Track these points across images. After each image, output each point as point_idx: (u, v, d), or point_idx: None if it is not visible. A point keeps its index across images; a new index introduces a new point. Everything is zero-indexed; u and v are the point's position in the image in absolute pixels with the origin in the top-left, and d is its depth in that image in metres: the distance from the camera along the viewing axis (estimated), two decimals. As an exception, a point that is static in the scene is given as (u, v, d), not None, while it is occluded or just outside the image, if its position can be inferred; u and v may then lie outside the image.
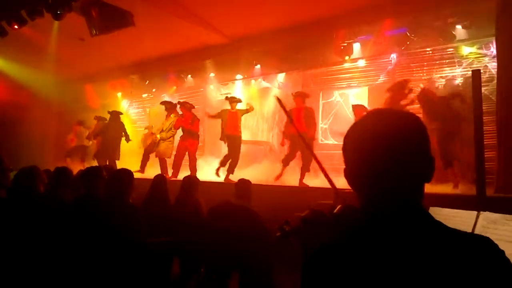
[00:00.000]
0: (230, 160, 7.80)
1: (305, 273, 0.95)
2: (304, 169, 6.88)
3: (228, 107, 8.25)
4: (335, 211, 1.40)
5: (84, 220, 2.93)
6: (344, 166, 0.98)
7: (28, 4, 7.37)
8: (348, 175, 0.97)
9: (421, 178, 0.94)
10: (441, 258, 0.84)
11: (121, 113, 10.16)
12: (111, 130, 9.57)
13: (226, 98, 8.56)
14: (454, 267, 0.83)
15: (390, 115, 0.96)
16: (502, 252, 0.87)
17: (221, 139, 8.42)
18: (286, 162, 7.29)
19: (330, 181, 1.82)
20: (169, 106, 9.11)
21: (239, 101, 8.38)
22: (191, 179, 4.56)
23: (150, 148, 9.04)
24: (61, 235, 2.90)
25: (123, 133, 9.63)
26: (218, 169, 7.89)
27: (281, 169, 7.28)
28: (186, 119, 8.57)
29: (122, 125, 9.77)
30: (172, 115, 8.98)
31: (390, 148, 0.90)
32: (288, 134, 7.34)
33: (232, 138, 7.99)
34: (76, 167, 8.09)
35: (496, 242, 0.91)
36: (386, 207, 0.91)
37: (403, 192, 0.91)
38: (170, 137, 8.93)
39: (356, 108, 7.19)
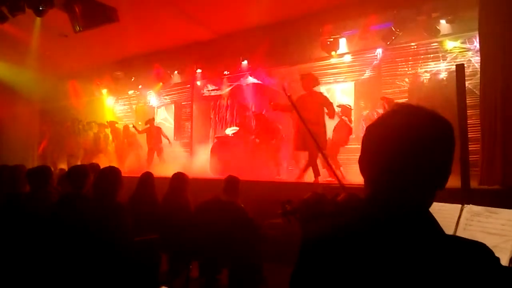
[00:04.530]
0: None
1: (301, 259, 0.96)
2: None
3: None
4: (338, 198, 1.40)
5: (69, 219, 2.90)
6: (360, 154, 0.96)
7: (9, 0, 7.20)
8: (363, 163, 0.95)
9: (434, 184, 0.91)
10: (434, 263, 0.83)
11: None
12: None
13: None
14: (446, 273, 0.82)
15: (421, 115, 0.92)
16: (497, 259, 0.86)
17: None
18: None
19: (337, 176, 1.88)
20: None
21: None
22: (180, 176, 4.52)
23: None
24: (46, 234, 2.86)
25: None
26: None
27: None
28: None
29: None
30: None
31: (411, 148, 0.88)
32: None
33: None
34: None
35: (479, 234, 0.93)
36: (392, 205, 0.90)
37: (412, 194, 0.89)
38: None
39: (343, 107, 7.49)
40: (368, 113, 8.05)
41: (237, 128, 9.42)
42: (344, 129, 7.48)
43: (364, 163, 0.95)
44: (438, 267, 0.83)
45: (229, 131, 9.75)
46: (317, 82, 6.76)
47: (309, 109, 6.21)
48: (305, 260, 0.96)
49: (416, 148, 0.88)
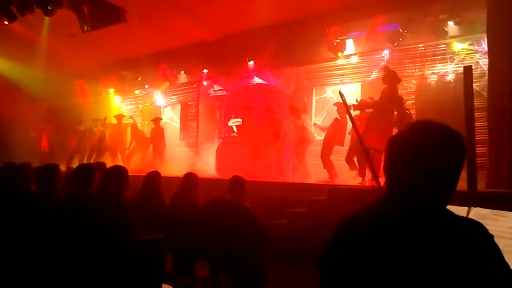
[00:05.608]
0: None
1: (330, 244, 1.17)
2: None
3: None
4: None
5: (76, 218, 2.91)
6: (385, 159, 1.16)
7: (18, -1, 7.28)
8: (387, 167, 1.15)
9: (443, 185, 1.07)
10: (434, 239, 0.99)
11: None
12: None
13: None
14: (446, 249, 0.97)
15: (437, 129, 1.09)
16: (491, 236, 1.01)
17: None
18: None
19: (377, 180, 1.92)
20: None
21: None
22: (191, 176, 4.54)
23: None
24: (52, 232, 2.88)
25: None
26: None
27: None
28: None
29: None
30: None
31: (417, 156, 1.06)
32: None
33: None
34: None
35: (485, 237, 0.92)
36: (408, 198, 1.07)
37: (423, 192, 1.06)
38: None
39: (338, 105, 7.29)
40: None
41: (240, 120, 9.47)
42: (338, 128, 7.27)
43: (388, 167, 1.14)
44: (441, 243, 0.98)
45: (232, 123, 9.81)
46: (399, 80, 6.49)
47: (381, 107, 6.16)
48: (333, 244, 1.15)
49: (430, 155, 1.06)
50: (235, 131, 9.34)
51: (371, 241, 1.05)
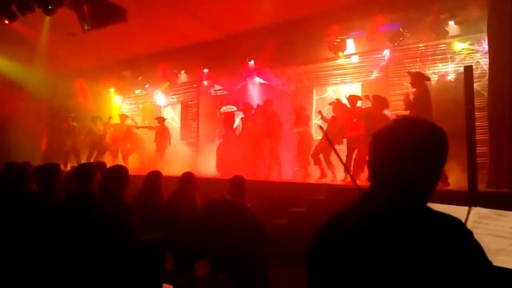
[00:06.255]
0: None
1: (315, 240, 1.18)
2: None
3: None
4: None
5: (76, 217, 2.91)
6: (368, 156, 1.18)
7: (19, -2, 7.28)
8: (368, 163, 1.17)
9: (414, 180, 1.07)
10: (415, 235, 0.99)
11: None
12: None
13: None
14: (427, 245, 0.97)
15: (418, 125, 1.10)
16: (470, 232, 1.02)
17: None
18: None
19: (352, 178, 1.95)
20: None
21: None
22: (189, 176, 4.54)
23: None
24: (52, 232, 2.88)
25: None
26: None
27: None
28: None
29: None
30: None
31: (392, 150, 1.08)
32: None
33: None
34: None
35: (486, 237, 0.94)
36: (382, 191, 1.09)
37: (406, 188, 1.07)
38: None
39: (351, 98, 7.19)
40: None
41: (233, 107, 9.44)
42: (336, 127, 7.16)
43: (371, 162, 1.14)
44: (421, 240, 0.98)
45: (224, 109, 9.83)
46: (428, 78, 6.33)
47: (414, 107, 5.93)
48: (317, 239, 1.16)
49: (413, 150, 1.06)
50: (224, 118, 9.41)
51: (354, 238, 1.06)
